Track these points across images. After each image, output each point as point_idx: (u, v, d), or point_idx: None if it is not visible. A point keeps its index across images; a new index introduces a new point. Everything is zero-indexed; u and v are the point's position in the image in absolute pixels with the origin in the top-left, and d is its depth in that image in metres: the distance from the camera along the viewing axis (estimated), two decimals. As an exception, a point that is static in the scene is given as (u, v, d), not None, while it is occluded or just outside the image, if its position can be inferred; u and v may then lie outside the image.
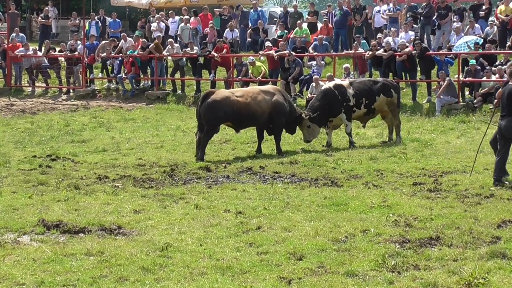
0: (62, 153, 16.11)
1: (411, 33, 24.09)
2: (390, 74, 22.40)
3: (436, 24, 24.40)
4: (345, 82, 17.12)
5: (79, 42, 28.31)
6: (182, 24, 28.24)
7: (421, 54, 21.69)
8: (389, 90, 16.92)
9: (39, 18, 33.17)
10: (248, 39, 27.69)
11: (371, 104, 16.74)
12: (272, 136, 16.09)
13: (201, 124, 15.39)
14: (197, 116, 15.64)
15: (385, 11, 26.25)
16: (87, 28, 29.93)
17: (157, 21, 28.75)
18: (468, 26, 23.92)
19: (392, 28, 24.82)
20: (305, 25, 26.85)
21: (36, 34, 35.12)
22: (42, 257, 8.39)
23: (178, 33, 28.15)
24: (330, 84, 17.10)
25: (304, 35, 25.92)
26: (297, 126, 16.41)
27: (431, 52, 22.62)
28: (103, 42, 27.63)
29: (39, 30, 33.49)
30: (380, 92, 16.79)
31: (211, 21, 28.20)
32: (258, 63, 24.17)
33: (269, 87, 17.37)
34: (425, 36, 24.71)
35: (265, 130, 16.09)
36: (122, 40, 27.14)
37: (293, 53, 23.66)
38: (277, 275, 7.74)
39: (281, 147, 15.88)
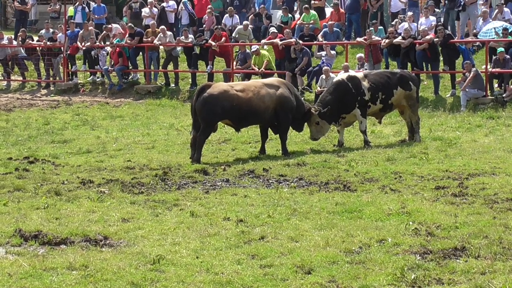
0: (41, 154, 16.12)
1: (432, 18, 24.05)
2: (409, 64, 22.40)
3: (462, 4, 24.20)
4: (360, 74, 17.14)
5: (51, 30, 28.27)
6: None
7: (444, 42, 21.67)
8: (407, 82, 16.92)
9: (15, 3, 33.15)
10: (250, 26, 27.69)
11: (388, 99, 16.74)
12: (278, 135, 16.10)
13: (196, 121, 15.40)
14: (192, 112, 15.65)
15: (404, -7, 26.22)
16: (69, 14, 29.92)
17: (149, 6, 28.72)
18: (496, 11, 23.87)
19: (409, 13, 24.77)
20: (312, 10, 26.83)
21: (12, 21, 35.13)
22: (18, 271, 8.39)
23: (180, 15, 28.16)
24: (343, 75, 17.11)
25: (312, 21, 25.90)
26: (305, 123, 16.41)
27: (455, 39, 22.61)
28: (81, 31, 27.55)
29: (15, 17, 33.49)
30: (397, 85, 16.79)
31: (209, 6, 28.20)
32: (263, 52, 24.17)
33: (273, 79, 17.40)
34: (449, 22, 24.67)
35: (269, 128, 16.10)
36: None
37: (300, 42, 23.64)
38: (283, 290, 7.76)
39: (287, 147, 15.88)
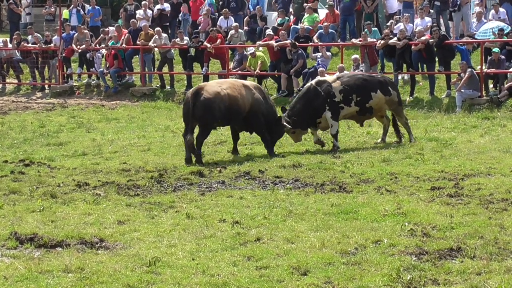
0: (37, 157, 16.11)
1: (428, 19, 24.08)
2: (404, 65, 22.45)
3: (458, 3, 24.22)
4: (331, 77, 17.18)
5: (34, 33, 28.32)
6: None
7: (440, 42, 21.71)
8: (386, 87, 16.78)
9: (11, 5, 33.02)
10: (245, 28, 27.70)
11: (366, 102, 16.57)
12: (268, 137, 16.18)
13: (191, 125, 15.38)
14: (185, 116, 15.59)
15: (399, -6, 26.23)
16: (65, 16, 29.92)
17: (143, 8, 28.73)
18: (492, 11, 23.88)
19: (405, 14, 24.81)
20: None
21: (7, 24, 35.11)
22: (14, 274, 8.38)
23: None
24: (313, 81, 17.15)
25: (315, 23, 25.86)
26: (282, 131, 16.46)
27: (451, 40, 22.64)
28: (76, 34, 27.55)
29: (8, 19, 33.44)
30: (376, 88, 16.67)
31: (206, 7, 28.17)
32: (259, 53, 24.20)
33: (248, 82, 17.46)
34: (442, 22, 24.69)
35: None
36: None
37: (296, 43, 23.65)
38: (279, 292, 7.76)
39: (273, 147, 16.10)
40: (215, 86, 15.91)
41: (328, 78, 17.14)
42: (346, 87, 16.43)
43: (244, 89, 15.93)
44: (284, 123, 16.14)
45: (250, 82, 17.76)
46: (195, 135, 15.54)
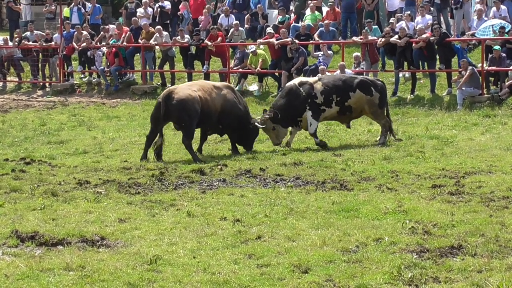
0: (38, 155, 16.12)
1: (429, 17, 24.07)
2: (405, 63, 22.43)
3: (460, 1, 24.23)
4: (313, 79, 17.27)
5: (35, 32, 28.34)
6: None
7: (440, 40, 21.70)
8: (368, 87, 16.76)
9: (10, 3, 32.98)
10: (246, 26, 27.69)
11: (344, 101, 16.63)
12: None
13: (159, 126, 15.54)
14: (154, 118, 15.69)
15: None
16: (65, 14, 29.90)
17: (143, 6, 28.72)
18: (493, 8, 23.86)
19: (406, 12, 24.79)
20: (308, 11, 26.80)
21: (7, 22, 35.08)
22: (15, 272, 8.38)
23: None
24: (295, 81, 17.21)
25: (316, 21, 25.84)
26: (255, 137, 16.57)
27: (451, 38, 22.63)
28: (75, 32, 27.53)
29: (7, 17, 33.41)
30: (355, 88, 16.68)
31: (207, 5, 28.17)
32: (260, 51, 24.20)
33: (221, 84, 17.53)
34: (442, 20, 24.68)
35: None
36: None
37: (296, 41, 23.65)
38: (280, 290, 7.76)
39: (237, 147, 16.22)
40: (186, 88, 16.02)
41: (310, 79, 17.18)
42: (326, 88, 16.56)
43: (215, 90, 16.02)
44: (256, 123, 16.24)
45: (221, 83, 17.93)
46: (180, 139, 15.58)
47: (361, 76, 18.50)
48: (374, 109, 16.84)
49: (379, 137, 16.87)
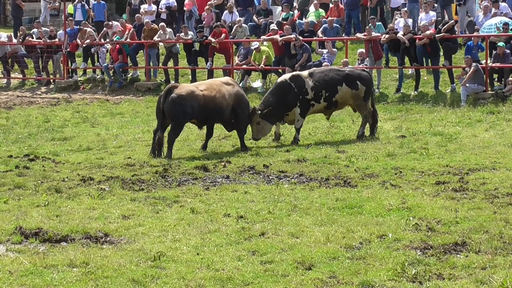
0: (42, 152, 16.12)
1: (432, 13, 24.04)
2: (408, 59, 22.41)
3: None
4: (304, 73, 17.19)
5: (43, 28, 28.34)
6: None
7: (448, 32, 21.72)
8: (354, 81, 16.81)
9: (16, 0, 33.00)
10: (250, 23, 27.65)
11: (332, 96, 16.73)
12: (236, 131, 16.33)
13: (163, 122, 15.53)
14: (157, 113, 15.75)
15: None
16: (69, 11, 29.90)
17: (147, 3, 28.68)
18: (493, 9, 23.80)
19: (402, 9, 24.76)
20: (312, 8, 26.76)
21: (11, 19, 35.11)
22: (19, 269, 8.40)
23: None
24: (287, 75, 17.21)
25: (321, 18, 25.80)
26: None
27: (456, 34, 22.59)
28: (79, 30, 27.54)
29: (12, 14, 33.41)
30: (342, 82, 16.74)
31: (209, 2, 28.15)
32: (263, 48, 24.19)
33: (226, 78, 17.64)
34: (446, 17, 24.65)
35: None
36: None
37: (300, 38, 23.63)
38: (284, 286, 7.75)
39: (245, 142, 16.17)
40: (191, 86, 16.35)
41: (302, 73, 17.12)
42: (317, 84, 16.62)
43: (224, 86, 16.12)
44: (256, 111, 16.28)
45: (228, 78, 18.05)
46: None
47: (348, 68, 18.50)
48: (358, 102, 16.99)
49: (358, 128, 16.93)
